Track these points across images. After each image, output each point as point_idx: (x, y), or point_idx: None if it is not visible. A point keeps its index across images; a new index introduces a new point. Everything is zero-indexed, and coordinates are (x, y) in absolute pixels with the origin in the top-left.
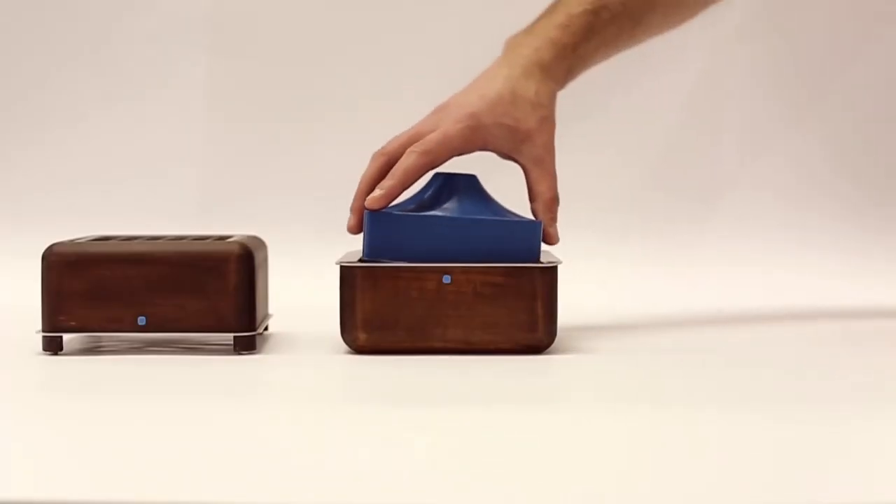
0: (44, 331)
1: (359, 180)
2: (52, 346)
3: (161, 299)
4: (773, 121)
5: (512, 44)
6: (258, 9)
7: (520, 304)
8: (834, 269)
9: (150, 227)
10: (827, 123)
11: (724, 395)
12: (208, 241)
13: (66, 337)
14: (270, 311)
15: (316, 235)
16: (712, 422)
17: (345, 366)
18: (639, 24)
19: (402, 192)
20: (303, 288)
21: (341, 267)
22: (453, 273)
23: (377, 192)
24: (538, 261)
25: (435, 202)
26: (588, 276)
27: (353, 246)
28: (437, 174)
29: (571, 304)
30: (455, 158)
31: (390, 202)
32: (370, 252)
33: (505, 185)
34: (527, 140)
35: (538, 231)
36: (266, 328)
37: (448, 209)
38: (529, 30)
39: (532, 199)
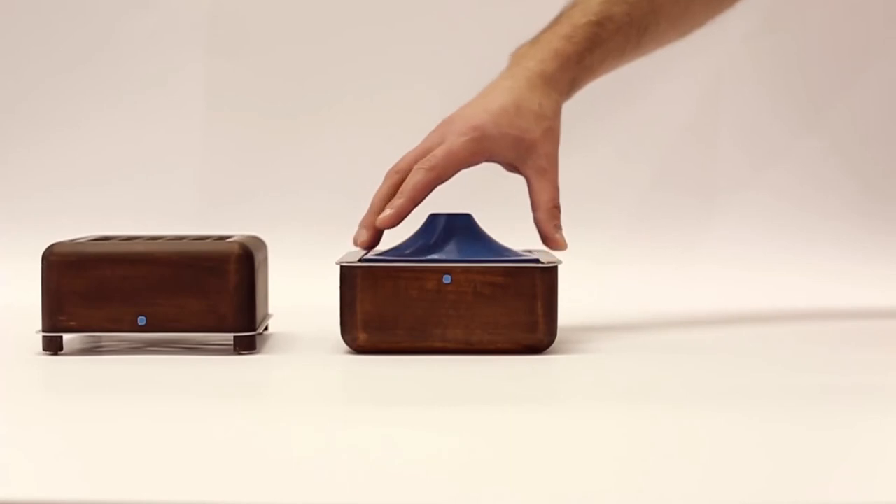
0: (44, 331)
1: (371, 198)
2: (52, 346)
3: (161, 299)
4: (774, 121)
5: (517, 56)
6: (258, 9)
7: (520, 304)
8: (836, 269)
9: (150, 227)
10: (830, 123)
11: (724, 395)
12: (208, 241)
13: (66, 337)
14: (270, 311)
15: (316, 235)
16: (713, 422)
17: (345, 366)
18: (644, 34)
19: (412, 209)
20: (303, 288)
21: (341, 267)
22: (453, 273)
23: (387, 212)
24: (538, 261)
25: (432, 245)
26: (588, 276)
27: (353, 246)
28: (432, 215)
29: (571, 304)
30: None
31: (401, 220)
32: None
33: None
34: (531, 150)
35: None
36: (266, 328)
37: (446, 251)
38: (534, 41)
39: (534, 208)
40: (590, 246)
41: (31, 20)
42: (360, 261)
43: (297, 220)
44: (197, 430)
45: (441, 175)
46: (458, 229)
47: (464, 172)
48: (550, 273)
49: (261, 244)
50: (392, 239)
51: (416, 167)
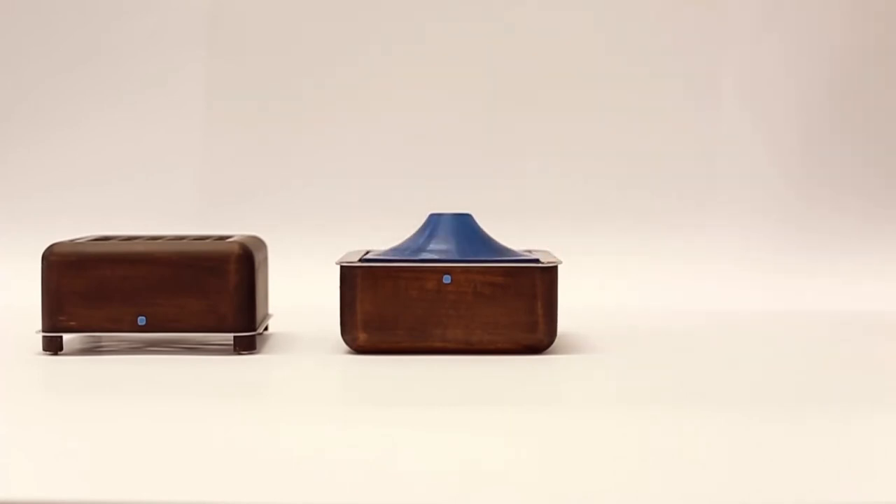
0: (44, 331)
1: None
2: (52, 346)
3: (161, 299)
4: (776, 120)
5: None
6: (258, 9)
7: (520, 304)
8: (837, 269)
9: (150, 227)
10: (831, 123)
11: (724, 395)
12: (208, 241)
13: (66, 337)
14: (270, 311)
15: (316, 235)
16: (712, 422)
17: (345, 366)
18: None
19: None
20: (303, 288)
21: (341, 267)
22: (453, 273)
23: None
24: (538, 261)
25: (433, 245)
26: (588, 276)
27: (353, 246)
28: (432, 215)
29: (571, 304)
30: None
31: None
32: None
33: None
34: None
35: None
36: (266, 328)
37: (446, 251)
38: None
39: None
40: (590, 246)
41: (31, 20)
42: (360, 261)
43: (297, 220)
44: (197, 430)
45: None
46: (458, 229)
47: (463, 172)
48: (550, 273)
49: (261, 244)
50: (392, 239)
51: None
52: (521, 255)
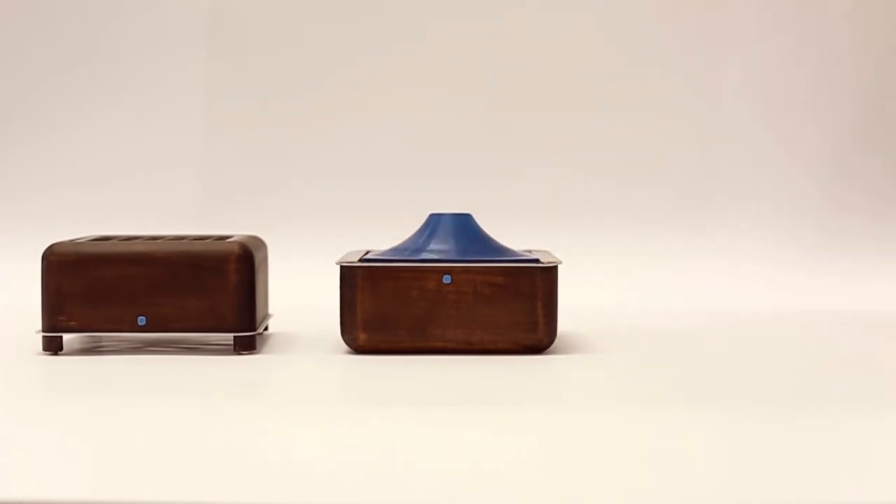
0: (44, 331)
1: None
2: (52, 346)
3: (161, 299)
4: (775, 118)
5: None
6: (258, 9)
7: (520, 304)
8: (838, 269)
9: (150, 227)
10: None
11: (724, 395)
12: (208, 241)
13: (66, 337)
14: (270, 311)
15: (316, 235)
16: (712, 422)
17: (345, 366)
18: None
19: None
20: (303, 288)
21: (341, 267)
22: (453, 273)
23: None
24: (538, 261)
25: (433, 245)
26: (588, 276)
27: (353, 246)
28: (433, 215)
29: (571, 304)
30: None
31: None
32: None
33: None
34: None
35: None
36: (266, 328)
37: (446, 251)
38: None
39: None
40: (590, 246)
41: (31, 20)
42: (360, 261)
43: (297, 220)
44: (197, 430)
45: None
46: (458, 229)
47: (463, 172)
48: (550, 273)
49: (261, 244)
50: (392, 239)
51: None
52: (521, 255)
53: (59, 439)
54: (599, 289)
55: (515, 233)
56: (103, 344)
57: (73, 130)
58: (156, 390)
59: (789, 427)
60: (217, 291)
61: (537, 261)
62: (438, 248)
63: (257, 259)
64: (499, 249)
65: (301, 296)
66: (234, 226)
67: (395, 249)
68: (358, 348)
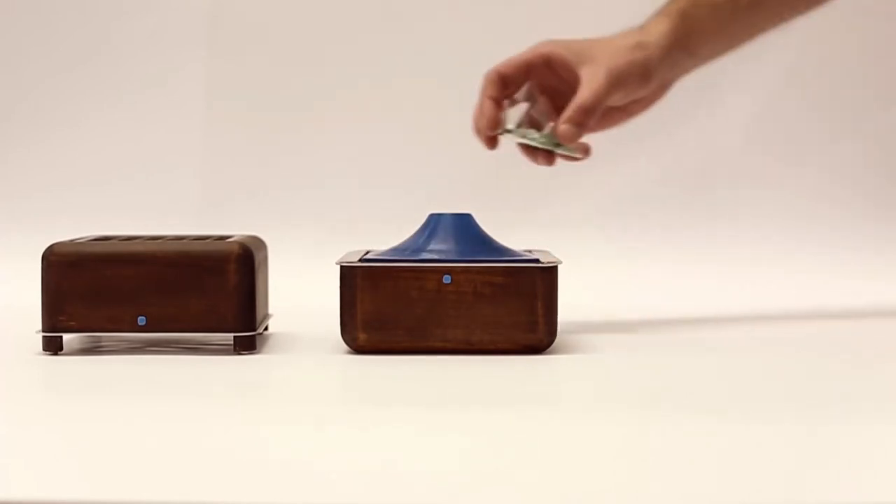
0: (44, 331)
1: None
2: (52, 346)
3: (161, 299)
4: (774, 118)
5: None
6: (258, 8)
7: (520, 304)
8: (840, 269)
9: (150, 227)
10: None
11: (724, 396)
12: (208, 241)
13: (66, 337)
14: (270, 311)
15: (316, 235)
16: (712, 422)
17: (345, 366)
18: None
19: (494, 108)
20: (303, 288)
21: (341, 267)
22: (453, 273)
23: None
24: (538, 261)
25: (433, 245)
26: (588, 276)
27: (353, 246)
28: (433, 215)
29: (571, 304)
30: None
31: (494, 127)
32: None
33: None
34: (591, 61)
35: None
36: (266, 328)
37: (446, 251)
38: None
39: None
40: (590, 246)
41: (31, 20)
42: (360, 261)
43: (297, 220)
44: (197, 430)
45: (501, 71)
46: (458, 229)
47: (464, 173)
48: (550, 273)
49: (261, 244)
50: (392, 239)
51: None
52: (521, 255)
53: (59, 439)
54: (600, 289)
55: (515, 233)
56: (103, 344)
57: (73, 130)
58: (156, 390)
59: (790, 427)
60: (217, 291)
61: (537, 261)
62: (438, 248)
63: (257, 259)
64: (499, 249)
65: (301, 296)
66: (234, 226)
67: (395, 249)
68: (358, 348)
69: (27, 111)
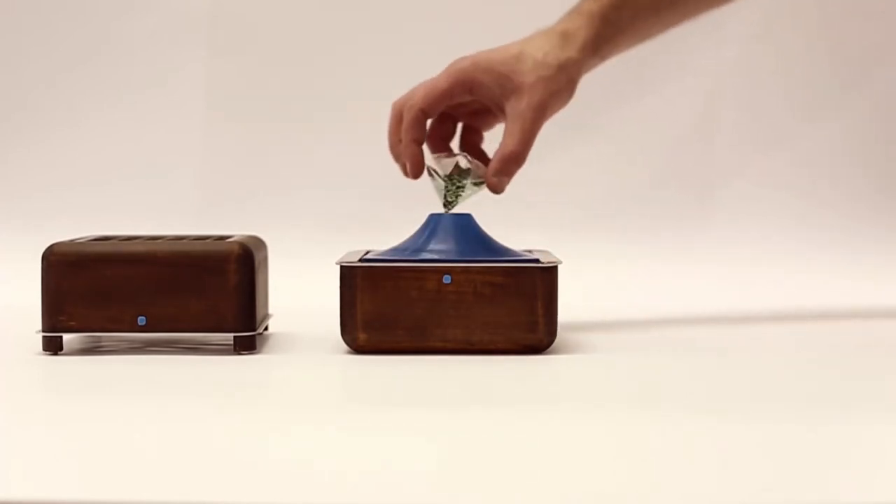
0: (44, 331)
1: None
2: (52, 346)
3: (161, 299)
4: (774, 118)
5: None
6: (258, 8)
7: (520, 304)
8: (841, 269)
9: (150, 227)
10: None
11: (724, 396)
12: (208, 241)
13: (66, 337)
14: (270, 311)
15: (316, 235)
16: (712, 423)
17: (345, 366)
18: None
19: (417, 151)
20: (303, 288)
21: (341, 267)
22: (453, 273)
23: (404, 168)
24: (538, 261)
25: (433, 245)
26: (588, 276)
27: (353, 246)
28: (433, 215)
29: (571, 304)
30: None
31: (418, 169)
32: None
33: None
34: (516, 93)
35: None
36: (266, 328)
37: (446, 251)
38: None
39: (498, 149)
40: (590, 246)
41: (31, 20)
42: (360, 261)
43: (297, 220)
44: (197, 430)
45: (425, 110)
46: (458, 229)
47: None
48: (550, 273)
49: (261, 244)
50: (392, 239)
51: (405, 112)
52: (521, 255)
53: (59, 439)
54: (600, 289)
55: (515, 233)
56: (103, 344)
57: (73, 130)
58: (156, 390)
59: (790, 427)
60: (217, 291)
61: (537, 261)
62: (438, 249)
63: (257, 259)
64: (499, 249)
65: (301, 296)
66: (234, 226)
67: (395, 249)
68: (358, 348)
69: (27, 111)
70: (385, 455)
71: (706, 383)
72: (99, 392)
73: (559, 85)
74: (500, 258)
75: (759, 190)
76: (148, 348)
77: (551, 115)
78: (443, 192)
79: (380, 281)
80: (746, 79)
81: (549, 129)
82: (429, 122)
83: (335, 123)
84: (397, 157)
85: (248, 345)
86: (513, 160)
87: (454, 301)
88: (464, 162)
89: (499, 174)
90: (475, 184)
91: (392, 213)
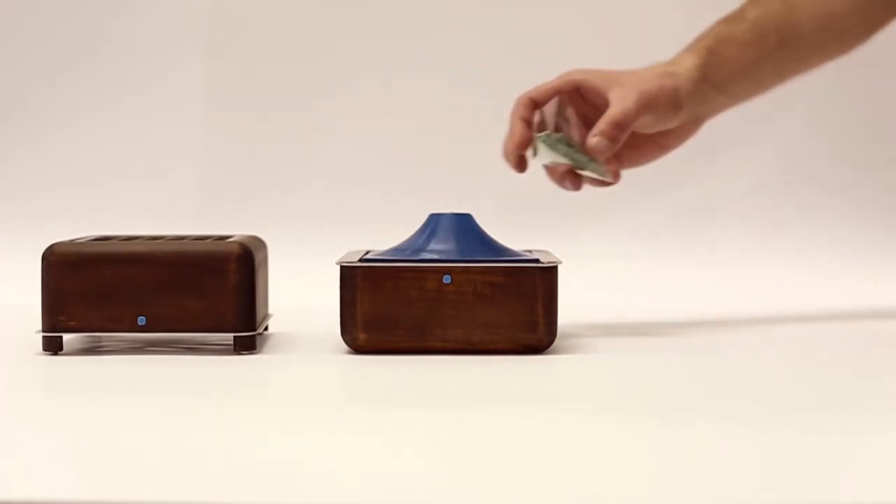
0: (44, 331)
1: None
2: (52, 346)
3: (161, 299)
4: (775, 118)
5: None
6: (257, 8)
7: (520, 304)
8: (842, 269)
9: (150, 227)
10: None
11: (724, 396)
12: (208, 241)
13: (66, 337)
14: (270, 311)
15: (316, 235)
16: (712, 423)
17: (345, 366)
18: (783, 43)
19: (525, 133)
20: (303, 288)
21: (341, 267)
22: (453, 273)
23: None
24: (538, 261)
25: (433, 245)
26: (588, 276)
27: (353, 246)
28: (433, 215)
29: (571, 304)
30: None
31: (523, 146)
32: None
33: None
34: (620, 83)
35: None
36: (266, 328)
37: (446, 251)
38: None
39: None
40: (590, 246)
41: (31, 20)
42: (360, 261)
43: (297, 220)
44: (197, 431)
45: (533, 98)
46: (458, 229)
47: (464, 173)
48: (550, 273)
49: (261, 244)
50: (392, 239)
51: (514, 102)
52: (521, 255)
53: (59, 439)
54: (599, 289)
55: (515, 233)
56: (103, 344)
57: (73, 130)
58: (156, 390)
59: (790, 427)
60: (217, 291)
61: (537, 261)
62: (438, 248)
63: (257, 259)
64: (499, 249)
65: (301, 296)
66: (234, 226)
67: (395, 249)
68: (358, 348)
69: (27, 111)
70: (385, 455)
71: (706, 383)
72: (99, 392)
73: (663, 82)
74: (500, 258)
75: (760, 190)
76: (148, 348)
77: (655, 110)
78: (541, 143)
79: (380, 281)
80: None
81: None
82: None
83: (335, 123)
84: (507, 152)
85: (248, 345)
86: (615, 123)
87: (454, 301)
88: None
89: (601, 134)
90: (569, 146)
91: (392, 213)
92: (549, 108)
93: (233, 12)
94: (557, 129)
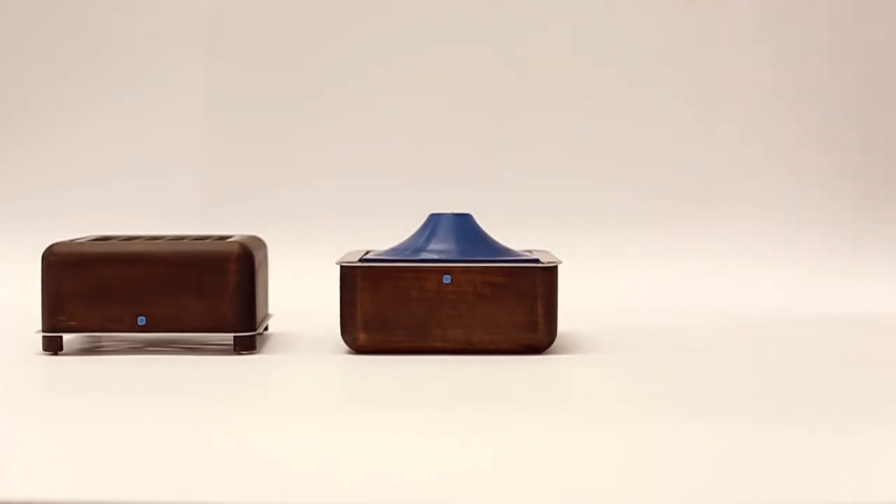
0: (44, 331)
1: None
2: (52, 346)
3: (161, 299)
4: (773, 118)
5: None
6: (257, 9)
7: (520, 304)
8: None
9: (150, 227)
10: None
11: (722, 396)
12: (208, 241)
13: (66, 337)
14: (270, 311)
15: (316, 235)
16: (711, 423)
17: (345, 366)
18: None
19: None
20: (303, 288)
21: (341, 267)
22: (453, 273)
23: None
24: (538, 261)
25: (433, 245)
26: (588, 276)
27: (353, 246)
28: (433, 215)
29: (571, 304)
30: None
31: None
32: None
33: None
34: None
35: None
36: (266, 328)
37: (446, 251)
38: None
39: None
40: (590, 246)
41: (31, 20)
42: (360, 261)
43: (297, 220)
44: (197, 430)
45: None
46: (458, 229)
47: (464, 172)
48: (550, 273)
49: (261, 244)
50: (392, 239)
51: None
52: (521, 255)
53: (59, 439)
54: (600, 289)
55: (515, 233)
56: (103, 344)
57: (73, 130)
58: (156, 390)
59: (791, 428)
60: (217, 291)
61: (537, 261)
62: (438, 248)
63: (257, 259)
64: (499, 249)
65: (301, 296)
66: (234, 226)
67: (395, 249)
68: (358, 348)
69: (27, 111)
70: (385, 454)
71: (705, 383)
72: (99, 392)
73: None
74: (500, 258)
75: (760, 191)
76: (148, 348)
77: None
78: None
79: (380, 281)
80: (747, 79)
81: (550, 130)
82: None
83: (335, 124)
84: None
85: (248, 345)
86: None
87: (454, 301)
88: None
89: None
90: None
91: (392, 212)
92: None
93: (233, 12)
94: None
